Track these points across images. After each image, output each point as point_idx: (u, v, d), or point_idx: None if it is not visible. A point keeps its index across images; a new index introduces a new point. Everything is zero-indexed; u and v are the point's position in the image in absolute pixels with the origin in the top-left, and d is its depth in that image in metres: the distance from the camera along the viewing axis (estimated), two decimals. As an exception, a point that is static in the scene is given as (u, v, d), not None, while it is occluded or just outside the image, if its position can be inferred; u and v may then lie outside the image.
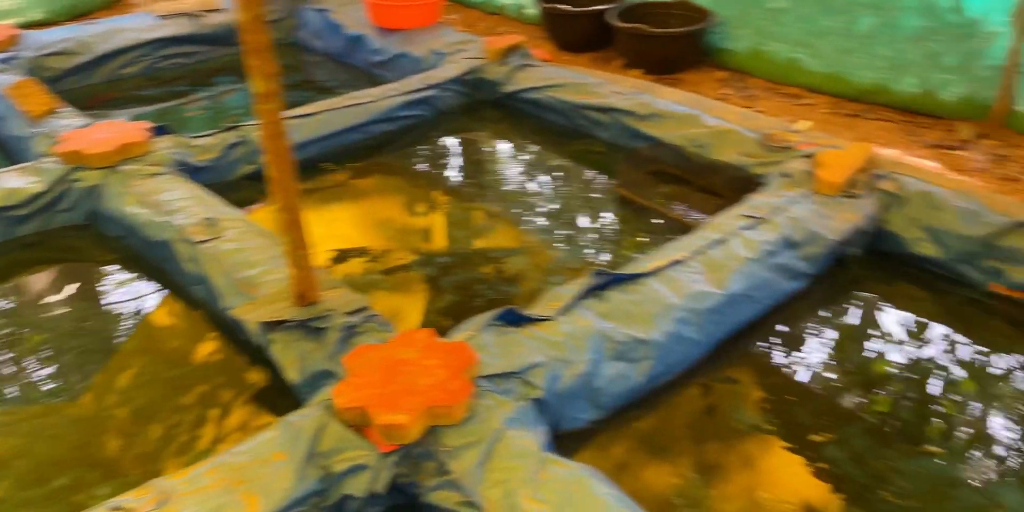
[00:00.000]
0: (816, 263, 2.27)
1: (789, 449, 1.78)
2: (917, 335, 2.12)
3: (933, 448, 1.75)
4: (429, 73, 3.44)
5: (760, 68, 3.69)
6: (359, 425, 1.56)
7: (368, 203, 2.86)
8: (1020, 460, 1.72)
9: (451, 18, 4.65)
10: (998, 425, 1.82)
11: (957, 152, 2.89)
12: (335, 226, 2.69)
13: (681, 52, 3.74)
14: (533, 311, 1.92)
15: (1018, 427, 1.81)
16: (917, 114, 3.20)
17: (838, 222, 2.33)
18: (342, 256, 2.51)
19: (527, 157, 3.19)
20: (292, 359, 1.83)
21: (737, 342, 2.09)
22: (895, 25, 3.20)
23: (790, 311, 2.20)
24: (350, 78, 3.96)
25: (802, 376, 2.00)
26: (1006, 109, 3.00)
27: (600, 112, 3.14)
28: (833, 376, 1.99)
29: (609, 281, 2.03)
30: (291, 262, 1.84)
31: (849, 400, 1.91)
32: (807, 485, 1.69)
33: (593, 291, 2.00)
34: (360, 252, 2.54)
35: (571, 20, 4.04)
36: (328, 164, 3.03)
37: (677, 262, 2.11)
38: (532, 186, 2.93)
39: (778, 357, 2.06)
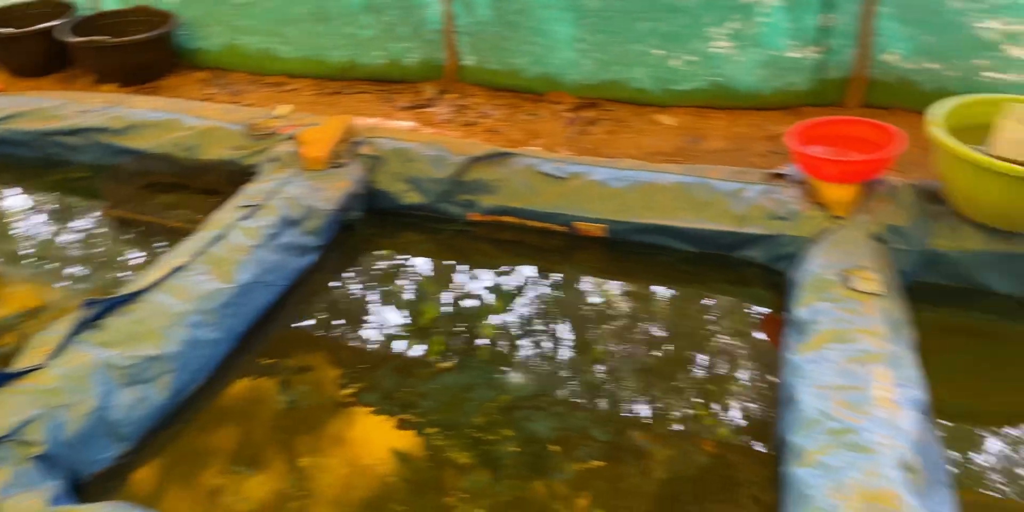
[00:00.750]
0: (321, 235, 2.39)
1: (371, 412, 1.86)
2: (432, 274, 2.37)
3: (447, 365, 1.99)
4: None
5: (237, 62, 3.69)
6: None
7: None
8: (524, 352, 2.03)
9: None
10: (504, 324, 2.13)
11: (427, 109, 3.25)
12: None
13: (151, 58, 3.57)
14: (18, 364, 1.71)
15: (518, 324, 2.14)
16: (389, 82, 3.51)
17: (331, 192, 2.47)
18: None
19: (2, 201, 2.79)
20: None
21: (272, 327, 2.12)
22: (351, 4, 3.43)
23: (311, 284, 2.29)
24: None
25: (345, 341, 2.10)
26: (455, 65, 3.45)
27: (70, 135, 2.87)
28: (376, 332, 2.13)
29: (105, 308, 1.89)
30: None
31: (397, 348, 2.07)
32: (392, 437, 1.78)
33: (88, 323, 1.85)
34: None
35: (16, 42, 3.59)
36: None
37: (178, 268, 2.05)
38: (18, 231, 2.58)
39: (318, 330, 2.14)
